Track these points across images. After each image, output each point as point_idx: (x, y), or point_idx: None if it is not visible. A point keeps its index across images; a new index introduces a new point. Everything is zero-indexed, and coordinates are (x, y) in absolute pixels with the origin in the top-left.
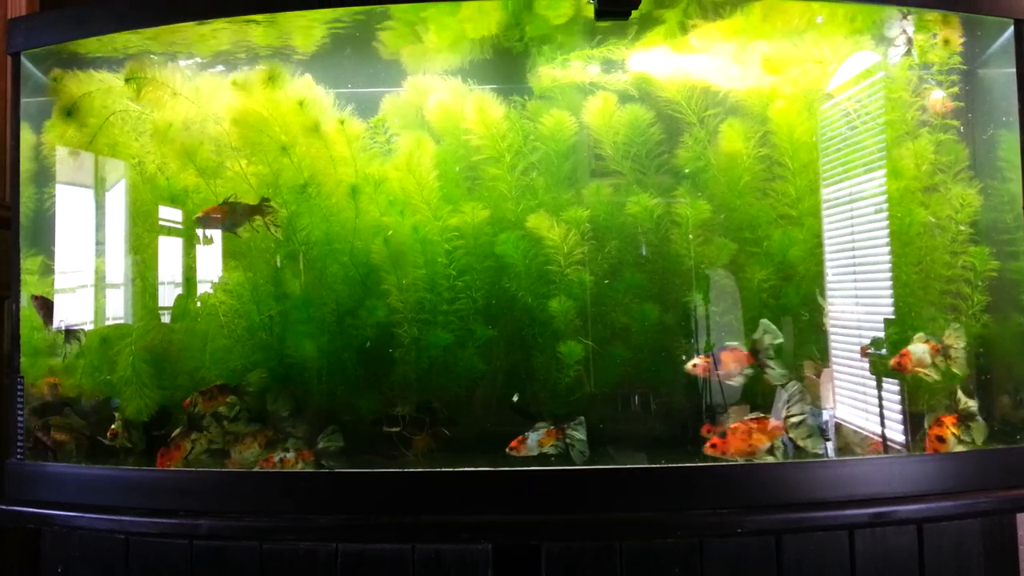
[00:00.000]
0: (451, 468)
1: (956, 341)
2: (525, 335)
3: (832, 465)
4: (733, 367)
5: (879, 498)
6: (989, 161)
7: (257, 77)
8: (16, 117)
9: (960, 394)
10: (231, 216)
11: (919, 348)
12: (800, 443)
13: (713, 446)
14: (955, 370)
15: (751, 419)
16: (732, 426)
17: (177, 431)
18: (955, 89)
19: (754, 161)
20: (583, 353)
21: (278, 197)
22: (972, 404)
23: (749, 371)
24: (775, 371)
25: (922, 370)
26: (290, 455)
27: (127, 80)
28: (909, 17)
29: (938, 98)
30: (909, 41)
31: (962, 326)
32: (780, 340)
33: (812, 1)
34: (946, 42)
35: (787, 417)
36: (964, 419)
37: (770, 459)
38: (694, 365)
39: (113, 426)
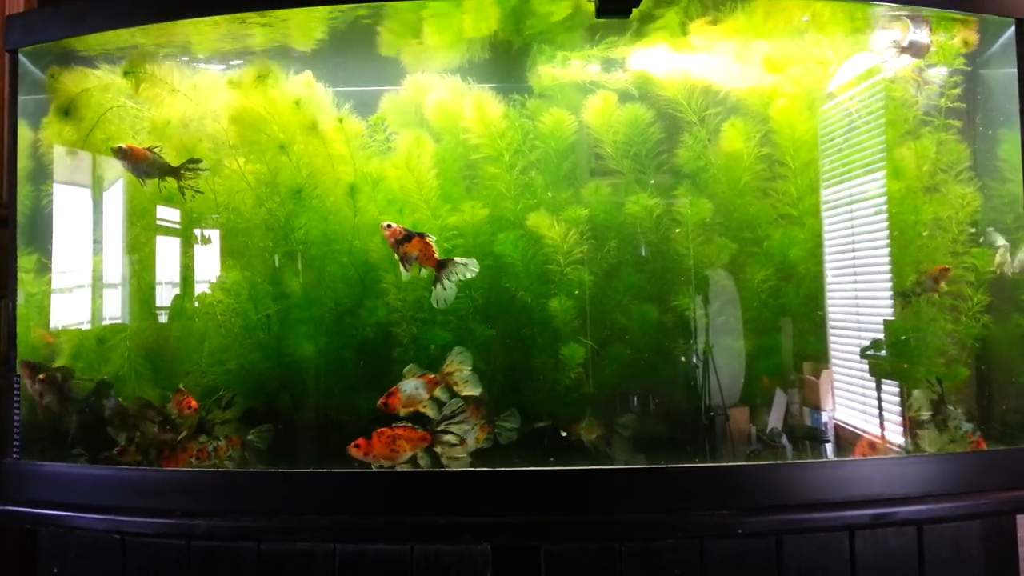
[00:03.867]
0: (451, 468)
1: (459, 367)
2: (524, 335)
3: (832, 466)
4: (410, 251)
5: (879, 499)
6: (989, 161)
7: (253, 75)
8: (13, 115)
9: (916, 399)
10: (147, 164)
11: (409, 385)
12: (445, 460)
13: (357, 446)
14: (465, 393)
15: (399, 426)
16: (379, 430)
17: (184, 434)
18: (957, 90)
19: (755, 160)
20: (583, 353)
21: (276, 196)
22: (925, 414)
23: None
24: (444, 291)
25: (413, 408)
26: (221, 442)
27: (125, 74)
28: (912, 17)
29: (910, 64)
30: (912, 43)
31: (466, 350)
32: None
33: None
34: (965, 43)
35: (442, 431)
36: (913, 427)
37: (405, 468)
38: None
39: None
